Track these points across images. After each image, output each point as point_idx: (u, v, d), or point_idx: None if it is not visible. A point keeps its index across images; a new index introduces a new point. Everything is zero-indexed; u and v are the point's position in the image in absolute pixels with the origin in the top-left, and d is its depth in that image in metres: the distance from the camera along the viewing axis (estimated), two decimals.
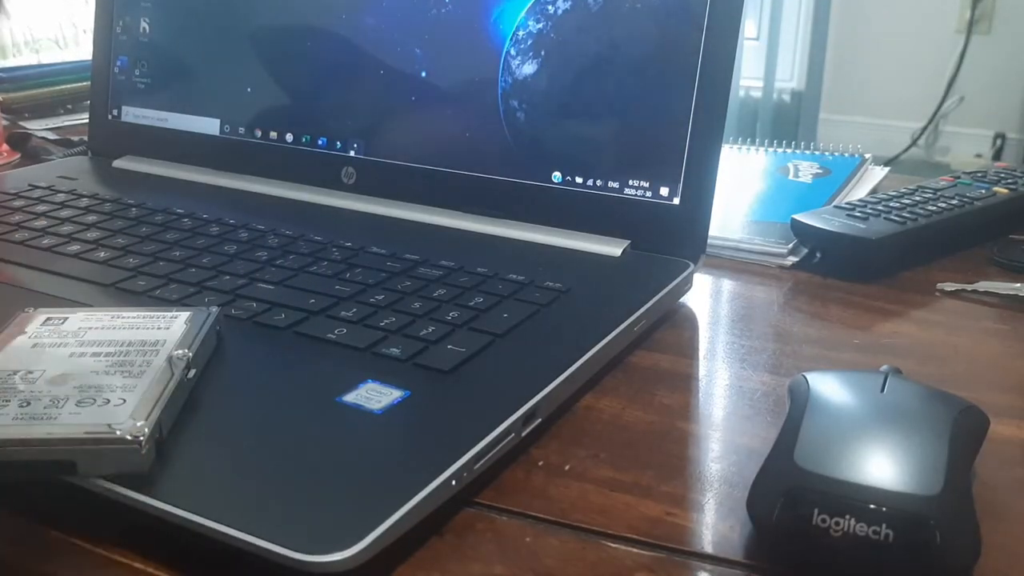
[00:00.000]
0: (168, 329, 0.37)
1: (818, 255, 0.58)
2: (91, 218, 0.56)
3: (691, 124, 0.50)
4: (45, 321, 0.37)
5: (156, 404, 0.31)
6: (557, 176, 0.54)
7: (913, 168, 2.69)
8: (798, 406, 0.34)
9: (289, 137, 0.63)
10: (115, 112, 0.70)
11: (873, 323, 0.50)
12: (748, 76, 2.82)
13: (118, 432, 0.29)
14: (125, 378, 0.33)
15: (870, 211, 0.58)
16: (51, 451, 0.29)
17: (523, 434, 0.36)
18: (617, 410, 0.40)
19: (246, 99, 0.64)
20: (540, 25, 0.54)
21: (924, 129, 2.86)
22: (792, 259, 0.58)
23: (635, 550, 0.31)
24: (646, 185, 0.52)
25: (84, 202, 0.60)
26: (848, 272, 0.55)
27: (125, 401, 0.31)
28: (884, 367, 0.38)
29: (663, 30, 0.51)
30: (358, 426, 0.34)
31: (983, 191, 0.63)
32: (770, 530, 0.30)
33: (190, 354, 0.35)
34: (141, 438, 0.29)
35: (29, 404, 0.31)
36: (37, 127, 0.86)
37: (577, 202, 0.54)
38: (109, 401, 0.31)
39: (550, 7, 0.53)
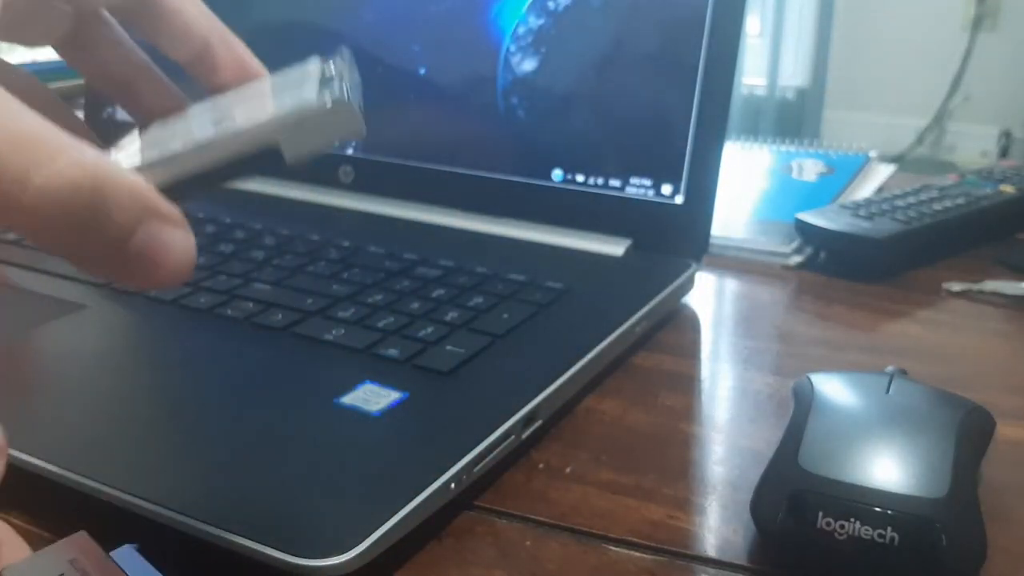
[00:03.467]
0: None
1: (822, 255, 0.57)
2: None
3: (694, 122, 0.50)
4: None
5: (344, 80, 0.27)
6: (558, 174, 0.54)
7: (918, 166, 2.68)
8: (802, 408, 0.33)
9: None
10: (110, 111, 0.69)
11: (878, 323, 0.49)
12: (752, 73, 2.82)
13: (328, 101, 0.25)
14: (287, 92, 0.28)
15: (875, 210, 0.58)
16: (253, 139, 0.25)
17: (523, 436, 0.35)
18: (619, 412, 0.39)
19: None
20: (541, 21, 0.53)
21: (929, 127, 2.86)
22: (796, 259, 0.57)
23: (637, 554, 0.31)
24: (648, 183, 0.52)
25: None
26: (853, 272, 0.55)
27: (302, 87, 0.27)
28: (889, 368, 0.37)
29: (665, 26, 0.50)
30: (356, 428, 0.33)
31: (989, 190, 0.62)
32: (774, 533, 0.30)
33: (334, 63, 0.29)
34: (346, 97, 0.25)
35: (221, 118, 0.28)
36: None
37: (578, 200, 0.53)
38: (303, 84, 0.27)
39: (551, 3, 0.53)
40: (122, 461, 0.32)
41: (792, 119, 2.87)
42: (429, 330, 0.40)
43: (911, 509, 0.28)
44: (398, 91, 0.58)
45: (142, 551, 0.26)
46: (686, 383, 0.43)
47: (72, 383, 0.37)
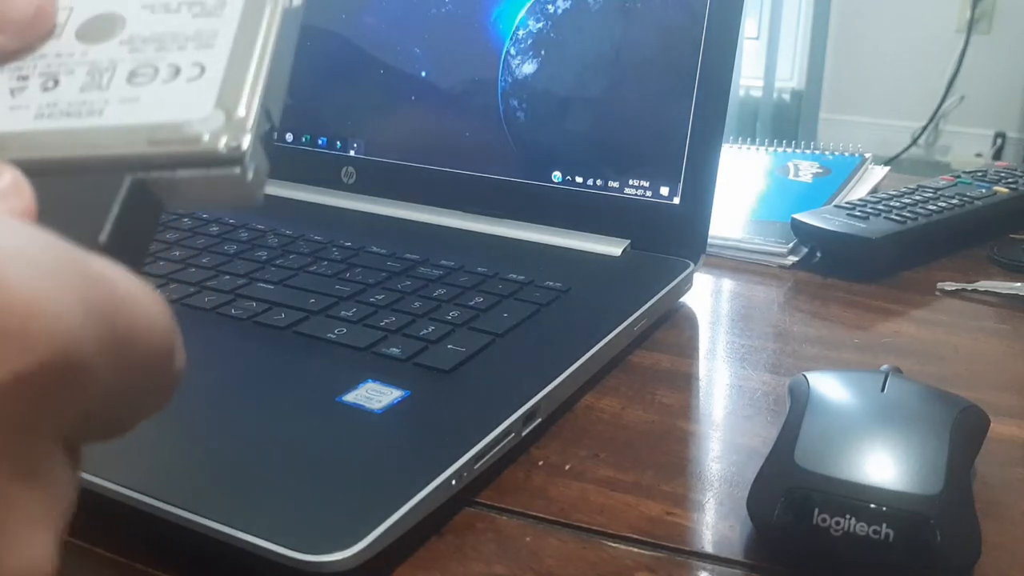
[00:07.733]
0: None
1: (818, 254, 0.58)
2: None
3: (691, 123, 0.50)
4: None
5: (257, 68, 0.18)
6: (557, 175, 0.54)
7: (913, 168, 2.69)
8: (798, 406, 0.34)
9: (289, 137, 0.63)
10: None
11: (873, 322, 0.49)
12: (748, 75, 2.82)
13: (204, 137, 0.17)
14: (197, 19, 0.19)
15: (870, 210, 0.58)
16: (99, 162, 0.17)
17: (523, 434, 0.36)
18: (617, 410, 0.40)
19: None
20: (540, 25, 0.54)
21: (924, 128, 2.86)
22: (792, 258, 0.58)
23: (635, 550, 0.31)
24: (646, 184, 0.52)
25: None
26: (848, 271, 0.55)
27: (204, 71, 0.18)
28: (884, 366, 0.38)
29: (663, 29, 0.51)
30: (358, 426, 0.34)
31: (983, 190, 0.63)
32: (770, 530, 0.30)
33: None
34: (243, 148, 0.17)
35: (56, 84, 0.18)
36: None
37: (577, 202, 0.54)
38: (179, 72, 0.18)
39: (550, 6, 0.53)
40: (124, 457, 0.32)
41: (788, 121, 2.87)
42: (430, 329, 0.41)
43: (906, 506, 0.28)
44: (400, 94, 0.58)
45: None
46: (684, 381, 0.43)
47: None
